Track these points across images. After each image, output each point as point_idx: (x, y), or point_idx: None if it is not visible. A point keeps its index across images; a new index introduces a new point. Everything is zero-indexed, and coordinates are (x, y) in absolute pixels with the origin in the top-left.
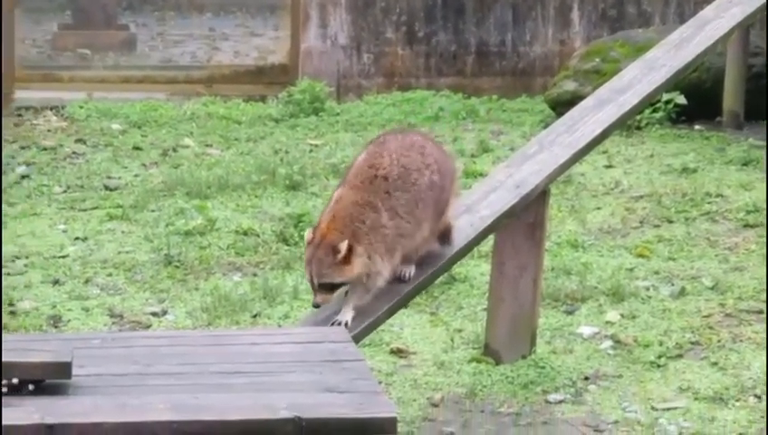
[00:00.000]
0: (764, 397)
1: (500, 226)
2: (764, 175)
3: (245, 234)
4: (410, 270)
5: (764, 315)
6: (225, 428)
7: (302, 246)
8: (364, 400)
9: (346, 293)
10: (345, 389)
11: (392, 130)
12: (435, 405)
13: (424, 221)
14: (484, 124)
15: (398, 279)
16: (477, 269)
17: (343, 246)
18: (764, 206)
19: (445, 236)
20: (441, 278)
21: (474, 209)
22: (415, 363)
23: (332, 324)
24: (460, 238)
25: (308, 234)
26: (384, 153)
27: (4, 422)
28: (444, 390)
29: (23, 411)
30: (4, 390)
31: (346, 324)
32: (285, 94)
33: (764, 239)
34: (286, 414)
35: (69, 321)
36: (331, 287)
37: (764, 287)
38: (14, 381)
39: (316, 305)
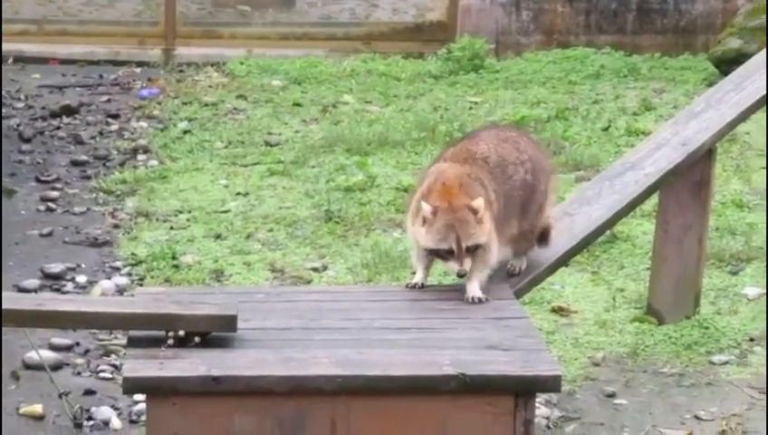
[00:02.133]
0: None
1: (665, 184)
2: None
3: (405, 190)
4: (521, 264)
5: None
6: (389, 383)
7: None
8: (528, 357)
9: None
10: (509, 346)
11: (486, 126)
12: (596, 364)
13: (512, 218)
14: (646, 82)
15: (508, 273)
16: (640, 228)
17: (480, 204)
18: None
19: (543, 236)
20: (603, 237)
21: (638, 166)
22: (576, 322)
23: (469, 301)
24: (625, 195)
25: (427, 206)
26: (480, 142)
27: (173, 374)
28: (605, 349)
29: (189, 363)
30: (171, 342)
31: (479, 300)
32: (444, 51)
33: None
34: (450, 371)
35: (231, 275)
36: (475, 249)
37: None
38: (181, 333)
39: (463, 274)
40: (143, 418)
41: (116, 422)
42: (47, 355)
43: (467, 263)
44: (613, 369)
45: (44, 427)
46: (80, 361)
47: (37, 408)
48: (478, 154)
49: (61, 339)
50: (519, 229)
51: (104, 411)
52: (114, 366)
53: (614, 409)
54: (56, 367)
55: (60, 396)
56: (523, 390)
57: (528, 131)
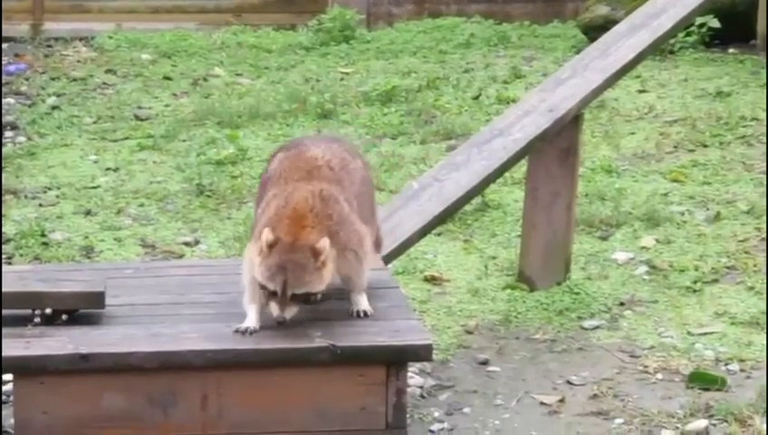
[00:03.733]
0: None
1: (533, 150)
2: None
3: None
4: (362, 305)
5: None
6: (260, 356)
7: None
8: (399, 327)
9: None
10: (379, 316)
11: (297, 138)
12: (469, 332)
13: (370, 218)
14: (516, 50)
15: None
16: (510, 196)
17: (324, 246)
18: None
19: (377, 246)
20: (474, 205)
21: (506, 133)
22: (449, 291)
23: (356, 315)
24: (493, 160)
25: (267, 234)
26: (312, 147)
27: (40, 352)
28: (478, 317)
29: (56, 341)
30: (37, 320)
31: (366, 314)
32: (315, 22)
33: None
34: (321, 342)
35: (101, 252)
36: (305, 298)
37: None
38: (48, 311)
39: (281, 321)
40: (12, 398)
41: None
42: None
43: (289, 312)
44: (486, 336)
45: None
46: None
47: None
48: (320, 160)
49: None
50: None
51: None
52: None
53: (487, 376)
54: None
55: None
56: (394, 359)
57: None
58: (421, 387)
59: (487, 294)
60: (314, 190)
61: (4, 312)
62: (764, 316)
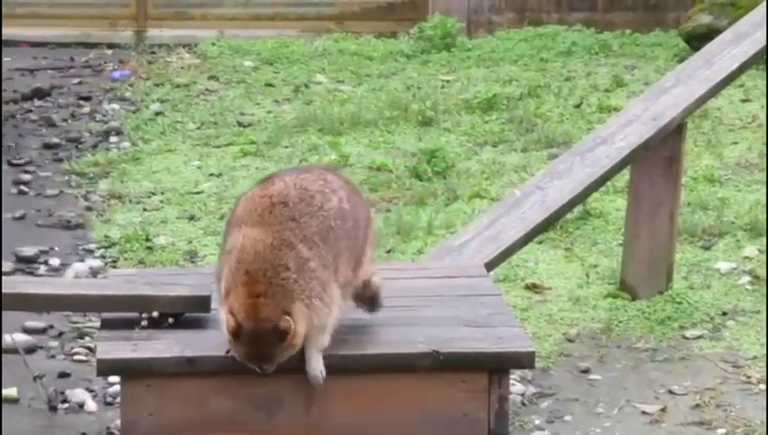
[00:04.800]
0: None
1: (636, 159)
2: None
3: (378, 169)
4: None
5: None
6: (363, 362)
7: (435, 182)
8: (502, 334)
9: None
10: (483, 323)
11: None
12: (570, 341)
13: (339, 261)
14: (617, 59)
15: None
16: (612, 205)
17: (288, 325)
18: None
19: (373, 300)
20: (575, 214)
21: (609, 141)
22: (550, 299)
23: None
24: (596, 169)
25: (229, 320)
26: (275, 180)
27: (147, 355)
28: (579, 325)
29: (163, 344)
30: (144, 323)
31: (316, 380)
32: (416, 30)
33: None
34: (424, 348)
35: (204, 256)
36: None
37: None
38: (155, 314)
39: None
40: (118, 400)
41: (91, 404)
42: (21, 338)
43: (269, 366)
44: (587, 345)
45: (20, 410)
46: (53, 344)
47: (12, 391)
48: (275, 197)
49: (34, 322)
50: (345, 279)
51: (79, 394)
52: (88, 348)
53: (589, 384)
54: (30, 350)
55: (34, 379)
56: (497, 367)
57: (339, 172)
58: (522, 395)
59: (588, 302)
60: (265, 240)
61: (113, 315)
62: None
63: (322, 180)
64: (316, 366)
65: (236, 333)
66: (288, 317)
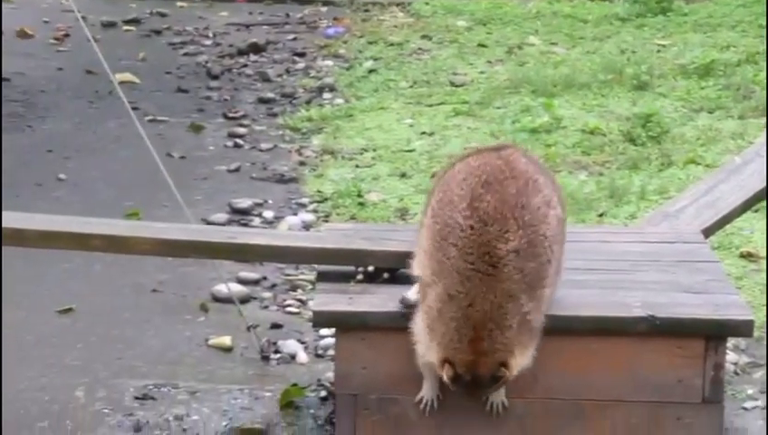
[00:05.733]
0: None
1: None
2: None
3: (592, 133)
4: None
5: None
6: (579, 323)
7: (649, 147)
8: (720, 301)
9: None
10: (699, 289)
11: (480, 157)
12: None
13: (550, 289)
14: None
15: None
16: None
17: (504, 374)
18: None
19: None
20: None
21: None
22: (765, 268)
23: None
24: None
25: (446, 370)
26: (497, 215)
27: (362, 308)
28: None
29: (378, 299)
30: (360, 277)
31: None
32: None
33: None
34: (640, 312)
35: (415, 214)
36: None
37: None
38: (370, 269)
39: None
40: (329, 352)
41: (302, 356)
42: (235, 289)
43: None
44: None
45: (233, 358)
46: (267, 295)
47: (226, 340)
48: (500, 247)
49: (248, 273)
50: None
51: (291, 345)
52: (300, 301)
53: None
54: (244, 300)
55: (248, 329)
56: (714, 333)
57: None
58: (735, 364)
59: None
60: (489, 297)
61: (329, 268)
62: None
63: (538, 191)
64: (499, 395)
65: (454, 380)
66: (504, 369)
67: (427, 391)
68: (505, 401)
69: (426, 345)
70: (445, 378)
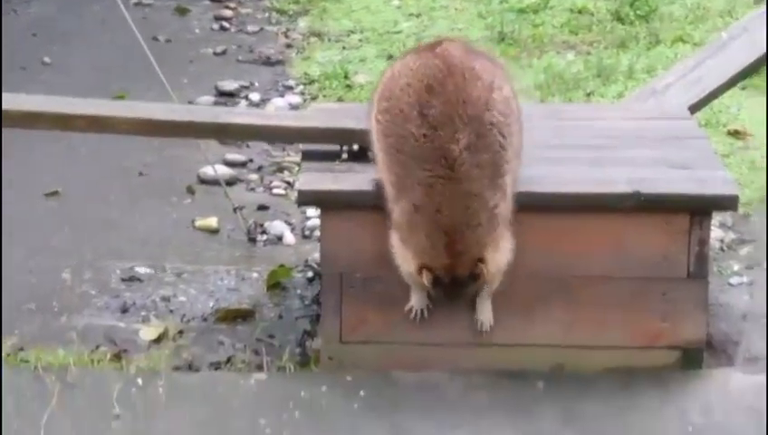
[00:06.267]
0: None
1: None
2: None
3: (580, 12)
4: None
5: None
6: (563, 199)
7: (637, 25)
8: (706, 177)
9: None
10: (686, 165)
11: (418, 58)
12: None
13: (512, 177)
14: None
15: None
16: None
17: (482, 270)
18: None
19: None
20: None
21: None
22: (752, 145)
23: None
24: None
25: (425, 275)
26: (444, 118)
27: (347, 187)
28: None
29: (364, 178)
30: (345, 156)
31: (485, 328)
32: None
33: None
34: (625, 188)
35: None
36: None
37: None
38: (355, 147)
39: None
40: (315, 233)
41: (289, 237)
42: (222, 171)
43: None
44: None
45: (219, 240)
46: (253, 177)
47: (212, 222)
48: (452, 145)
49: (234, 155)
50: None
51: (277, 226)
52: (287, 183)
53: None
54: (230, 183)
55: (234, 210)
56: (698, 209)
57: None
58: (721, 240)
59: None
60: (457, 194)
61: (314, 147)
62: None
63: (476, 79)
64: (485, 312)
65: (434, 284)
66: (482, 264)
67: (416, 302)
68: (491, 319)
69: (402, 257)
70: (425, 282)
